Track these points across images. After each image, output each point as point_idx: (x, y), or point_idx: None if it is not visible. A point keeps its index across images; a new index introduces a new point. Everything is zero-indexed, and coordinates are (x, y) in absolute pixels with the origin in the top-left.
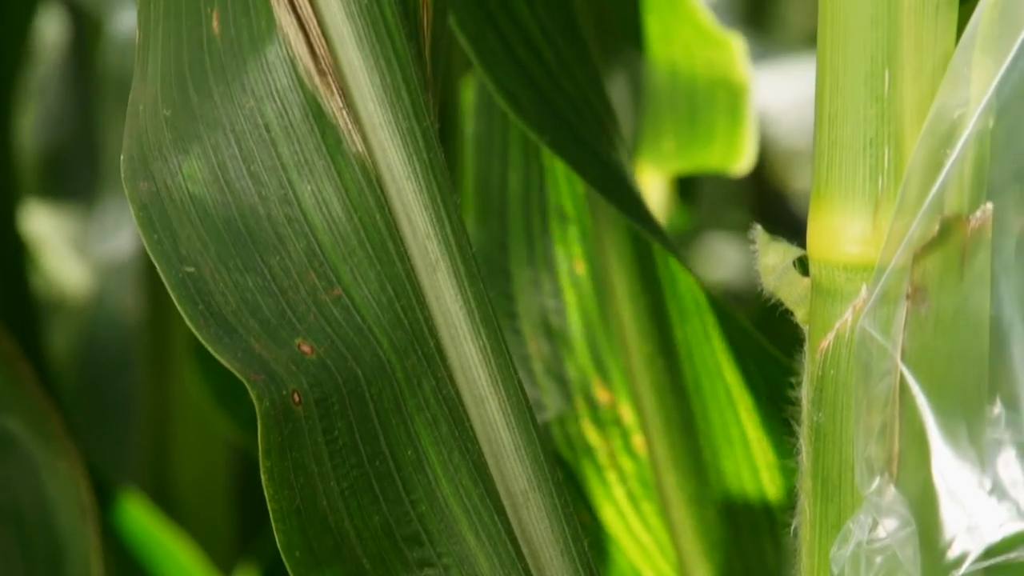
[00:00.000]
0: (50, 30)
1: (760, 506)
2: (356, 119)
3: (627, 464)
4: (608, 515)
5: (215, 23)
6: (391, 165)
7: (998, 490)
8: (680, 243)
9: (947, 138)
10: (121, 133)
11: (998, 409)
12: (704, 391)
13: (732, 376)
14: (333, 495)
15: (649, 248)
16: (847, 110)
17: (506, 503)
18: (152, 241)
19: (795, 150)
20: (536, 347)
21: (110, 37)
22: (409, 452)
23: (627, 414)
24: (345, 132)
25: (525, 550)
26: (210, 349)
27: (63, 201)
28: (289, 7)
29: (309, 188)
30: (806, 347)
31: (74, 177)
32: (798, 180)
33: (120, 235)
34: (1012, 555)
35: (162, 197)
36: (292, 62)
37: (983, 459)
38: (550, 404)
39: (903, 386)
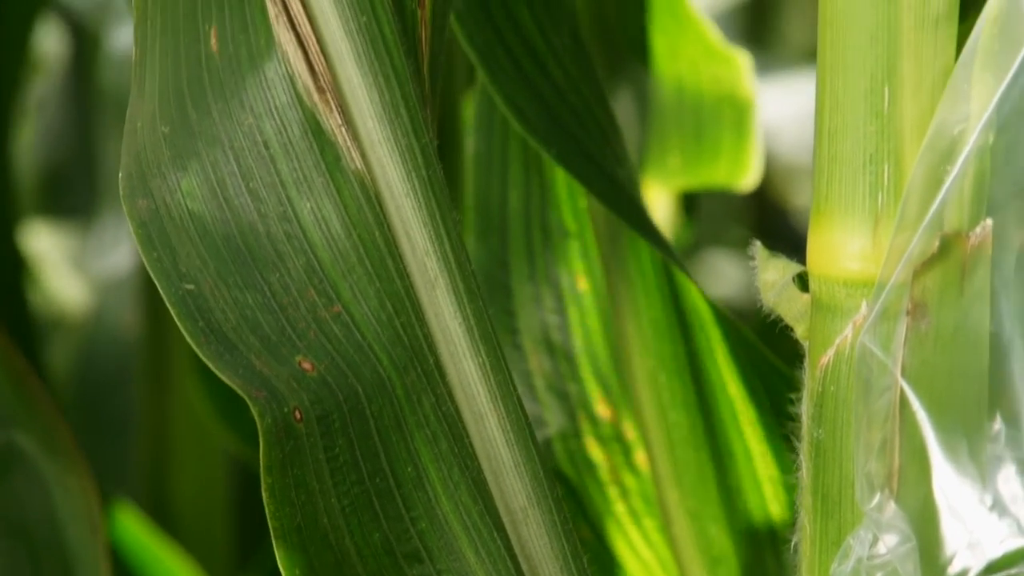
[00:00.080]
0: (48, 46)
1: (763, 521)
2: (355, 136)
3: (629, 480)
4: (610, 531)
5: (213, 40)
6: (390, 182)
7: (999, 506)
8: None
9: (947, 154)
10: (120, 149)
11: (998, 425)
12: (707, 406)
13: (736, 390)
14: (334, 512)
15: (652, 262)
16: (847, 126)
17: (505, 520)
18: (152, 258)
19: (796, 166)
20: (538, 363)
21: (108, 53)
22: (409, 469)
23: (629, 430)
24: (344, 149)
25: (525, 567)
26: (211, 366)
27: (61, 218)
28: (288, 24)
29: (308, 205)
30: (806, 363)
31: (72, 194)
32: (799, 196)
33: (118, 251)
34: (1013, 571)
35: (161, 214)
36: (291, 79)
37: (984, 475)
38: (552, 420)
39: (903, 402)
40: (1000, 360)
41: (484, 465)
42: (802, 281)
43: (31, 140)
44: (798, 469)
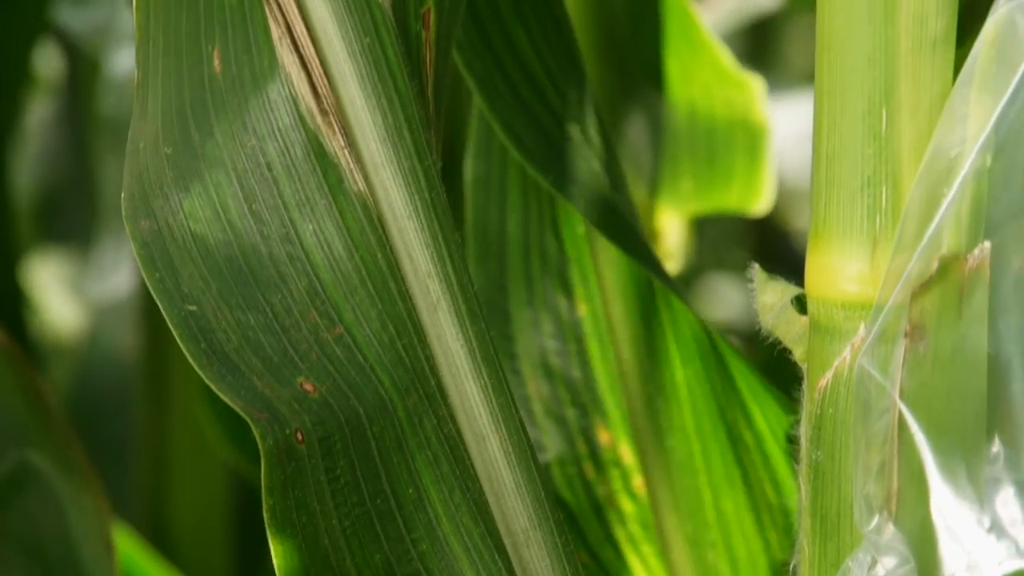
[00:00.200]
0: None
1: (760, 547)
2: (358, 158)
3: (627, 505)
4: (608, 556)
5: (216, 61)
6: (393, 204)
7: (997, 528)
8: (681, 283)
9: (945, 176)
10: (119, 172)
11: (996, 447)
12: (705, 432)
13: (733, 416)
14: (335, 533)
15: (650, 289)
16: (845, 149)
17: (507, 542)
18: (154, 279)
19: (797, 188)
20: (536, 388)
21: (107, 77)
22: (410, 490)
23: (627, 455)
24: (347, 171)
25: None
26: (213, 387)
27: (60, 241)
28: (291, 46)
29: (311, 227)
30: (804, 385)
31: (71, 217)
32: (800, 218)
33: (118, 275)
34: None
35: (163, 235)
36: (294, 101)
37: (982, 497)
38: (550, 445)
39: (902, 424)
40: (998, 382)
41: (485, 487)
42: (800, 304)
43: (30, 163)
44: (797, 491)
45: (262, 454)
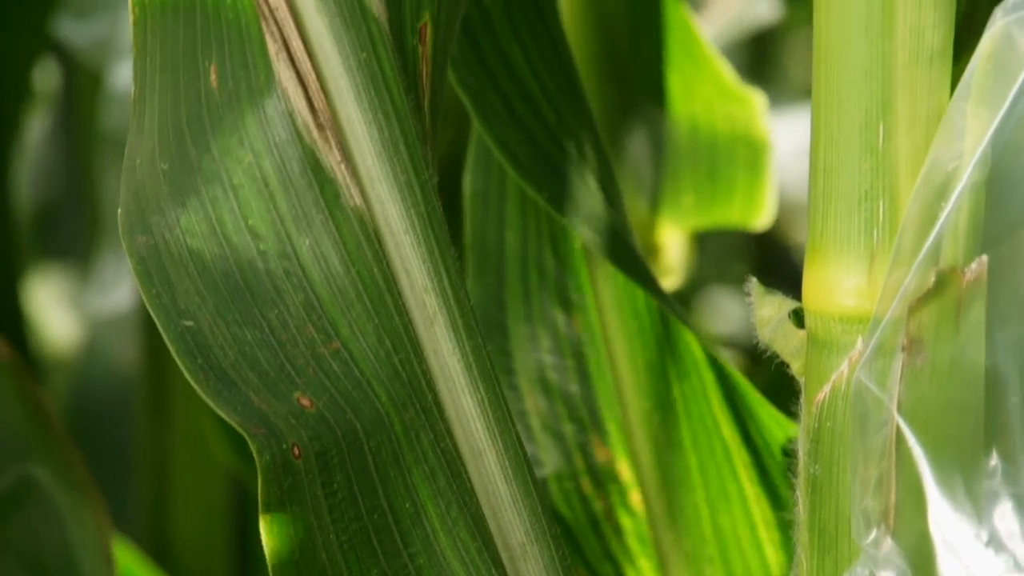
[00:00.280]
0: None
1: (757, 562)
2: (354, 173)
3: (625, 520)
4: (605, 572)
5: (213, 77)
6: (389, 219)
7: (995, 542)
8: (682, 297)
9: (942, 190)
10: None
11: (994, 461)
12: (701, 447)
13: (730, 433)
14: (332, 548)
15: (647, 303)
16: (842, 163)
17: (504, 556)
18: (151, 295)
19: (798, 202)
20: (533, 403)
21: (109, 91)
22: (407, 505)
23: (624, 470)
24: (343, 186)
25: None
26: (210, 403)
27: (61, 255)
28: (288, 61)
29: (307, 242)
30: (802, 399)
31: (72, 231)
32: (800, 232)
33: (119, 288)
34: None
35: (160, 251)
36: (291, 116)
37: (980, 511)
38: (548, 460)
39: (899, 438)
40: (996, 396)
41: (482, 501)
42: (798, 317)
43: (32, 177)
44: (795, 505)
45: (259, 469)
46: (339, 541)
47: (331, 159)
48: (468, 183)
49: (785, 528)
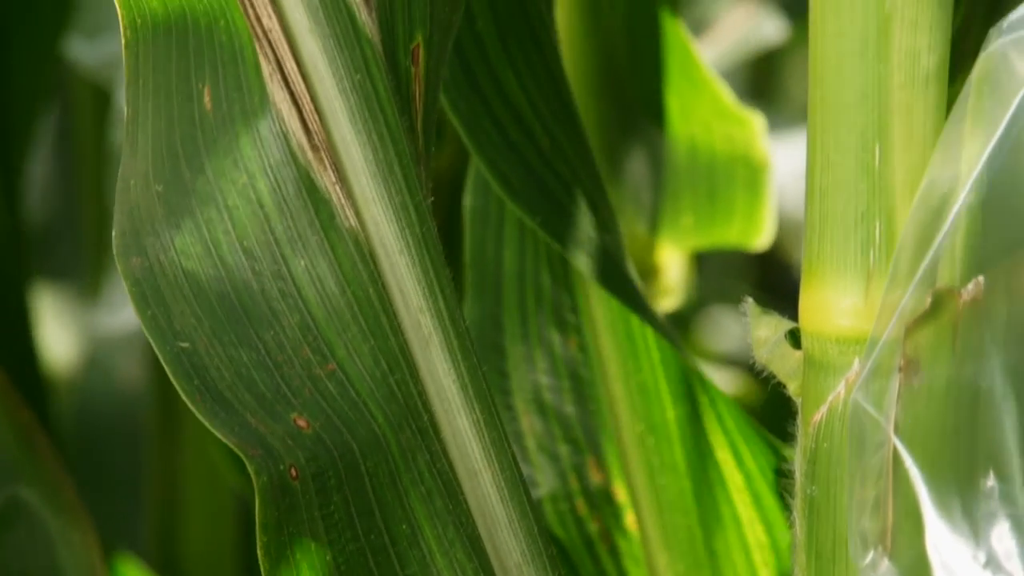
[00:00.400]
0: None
1: None
2: (349, 194)
3: (620, 542)
4: None
5: (207, 98)
6: (384, 239)
7: (992, 563)
8: (683, 316)
9: (938, 211)
10: None
11: (991, 482)
12: (695, 471)
13: (724, 455)
14: (329, 569)
15: (640, 326)
16: (838, 184)
17: None
18: (146, 317)
19: (799, 222)
20: (529, 423)
21: (119, 110)
22: (404, 526)
23: (619, 492)
24: (338, 207)
25: None
26: (207, 424)
27: (70, 273)
28: (282, 83)
29: (303, 263)
30: (799, 420)
31: (81, 248)
32: (802, 251)
33: (127, 307)
34: None
35: (155, 272)
36: (285, 137)
37: (977, 532)
38: (543, 481)
39: (896, 459)
40: (993, 417)
41: (479, 522)
42: (795, 338)
43: (40, 195)
44: (791, 526)
45: (256, 491)
46: (336, 563)
47: (326, 180)
48: (468, 201)
49: (779, 551)
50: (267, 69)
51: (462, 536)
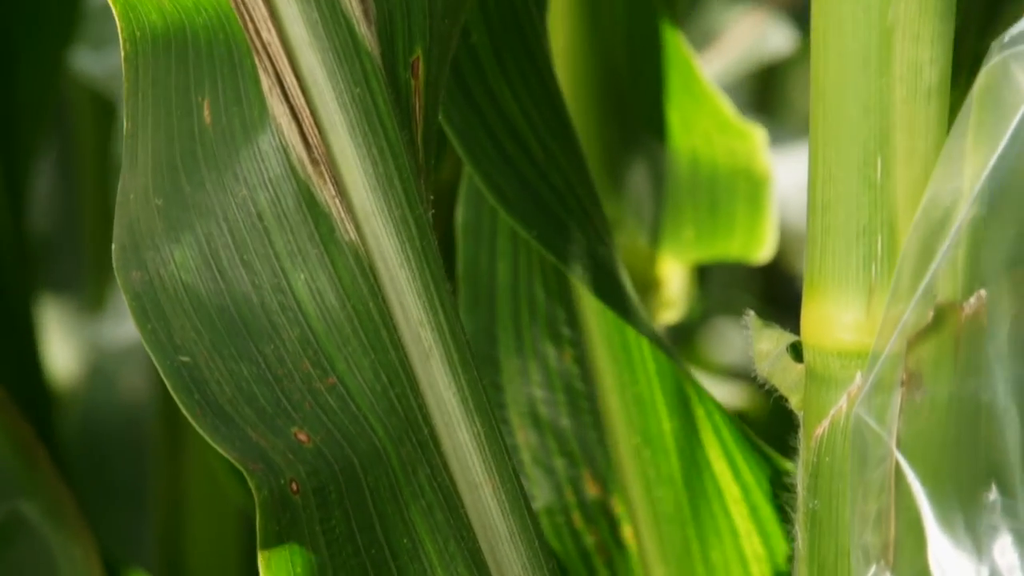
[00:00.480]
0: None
1: None
2: (349, 208)
3: (616, 555)
4: None
5: (206, 112)
6: (384, 253)
7: None
8: (688, 328)
9: (940, 225)
10: None
11: (994, 496)
12: (692, 483)
13: (721, 468)
14: None
15: (637, 338)
16: (840, 197)
17: None
18: (146, 331)
19: (803, 234)
20: (524, 437)
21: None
22: (405, 540)
23: (616, 505)
24: (338, 221)
25: None
26: (208, 439)
27: (75, 285)
28: (282, 96)
29: (303, 277)
30: (801, 433)
31: (87, 261)
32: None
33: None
34: None
35: (155, 286)
36: (285, 151)
37: (979, 546)
38: (539, 494)
39: (898, 473)
40: (995, 431)
41: (479, 535)
42: (797, 351)
43: (45, 206)
44: (793, 540)
45: (257, 505)
46: None
47: (326, 194)
48: (460, 215)
49: (776, 563)
50: (266, 83)
51: (463, 550)
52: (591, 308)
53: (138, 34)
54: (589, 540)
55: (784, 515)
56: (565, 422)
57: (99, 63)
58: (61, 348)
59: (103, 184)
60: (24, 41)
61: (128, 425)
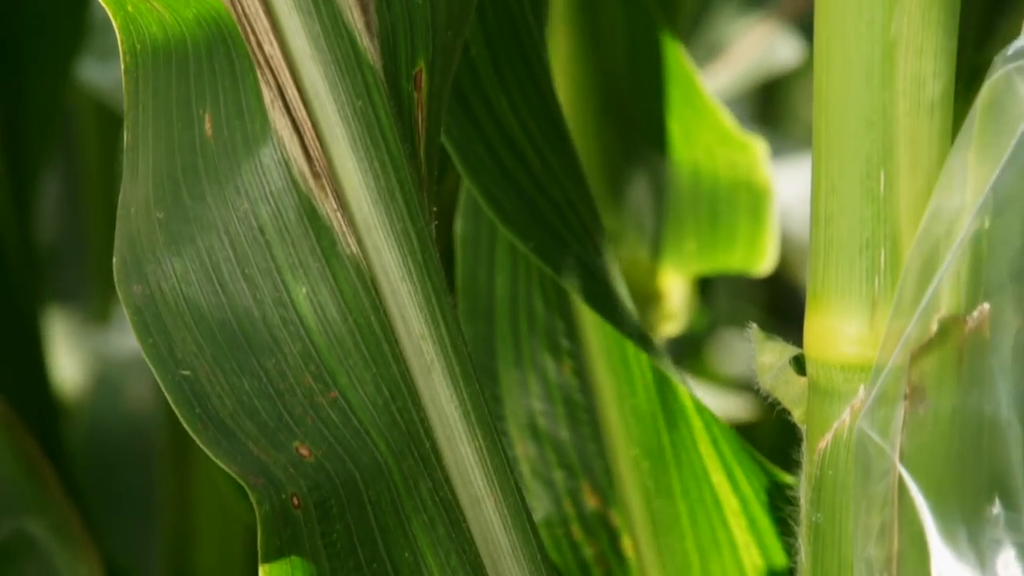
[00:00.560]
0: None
1: None
2: (351, 221)
3: (615, 567)
4: None
5: (208, 125)
6: (386, 266)
7: None
8: (695, 339)
9: (944, 238)
10: None
11: (997, 509)
12: (691, 495)
13: (719, 479)
14: None
15: (635, 350)
16: (843, 210)
17: None
18: (147, 344)
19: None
20: (523, 449)
21: None
22: (407, 555)
23: (615, 516)
24: (339, 234)
25: None
26: (209, 453)
27: (82, 296)
28: (283, 109)
29: (304, 290)
30: (804, 447)
31: (88, 270)
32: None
33: None
34: None
35: (156, 300)
36: (286, 164)
37: (983, 560)
38: (538, 506)
39: (902, 487)
40: (998, 444)
41: (481, 549)
42: (799, 364)
43: (51, 216)
44: (795, 553)
45: (258, 520)
46: None
47: (327, 207)
48: (459, 227)
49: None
50: (268, 96)
51: (465, 564)
52: (590, 320)
53: (138, 46)
54: (588, 552)
55: (783, 527)
56: (564, 434)
57: (105, 74)
58: (68, 359)
59: (108, 195)
60: (32, 52)
61: (135, 436)
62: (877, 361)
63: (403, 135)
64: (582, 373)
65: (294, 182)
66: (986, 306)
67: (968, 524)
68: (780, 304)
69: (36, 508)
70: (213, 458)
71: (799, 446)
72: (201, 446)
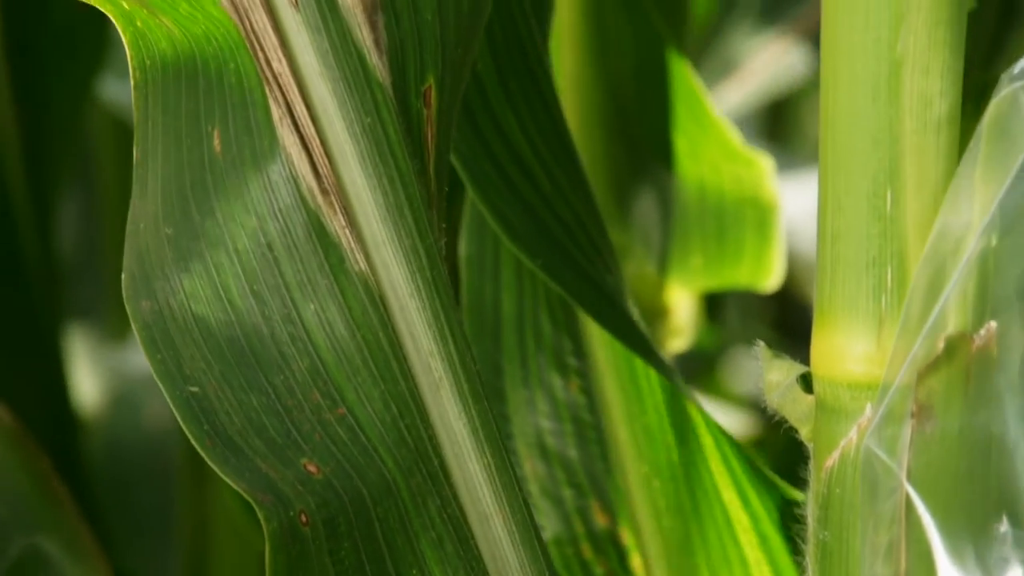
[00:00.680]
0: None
1: None
2: (359, 237)
3: None
4: None
5: (216, 142)
6: (394, 283)
7: None
8: (707, 357)
9: (950, 256)
10: None
11: (1004, 528)
12: (701, 512)
13: (730, 497)
14: None
15: (644, 368)
16: (849, 228)
17: None
18: (156, 361)
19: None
20: (532, 468)
21: None
22: (415, 572)
23: (625, 534)
24: (348, 251)
25: None
26: (217, 470)
27: (100, 311)
28: (292, 126)
29: (312, 307)
30: (811, 465)
31: (105, 286)
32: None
33: None
34: None
35: (165, 316)
36: (295, 181)
37: None
38: (547, 525)
39: (909, 505)
40: (1006, 462)
41: (490, 567)
42: (807, 382)
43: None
44: (804, 572)
45: (267, 537)
46: None
47: (336, 224)
48: (463, 247)
49: None
50: (277, 112)
51: None
52: (599, 338)
53: (148, 62)
54: (598, 571)
55: (794, 545)
56: (573, 452)
57: (125, 91)
58: (86, 376)
59: (125, 212)
60: (54, 69)
61: (153, 452)
62: (884, 379)
63: (412, 152)
64: (590, 391)
65: (303, 199)
66: (993, 324)
67: (975, 542)
68: (790, 322)
69: (49, 525)
70: (221, 475)
71: (806, 464)
72: (209, 463)
